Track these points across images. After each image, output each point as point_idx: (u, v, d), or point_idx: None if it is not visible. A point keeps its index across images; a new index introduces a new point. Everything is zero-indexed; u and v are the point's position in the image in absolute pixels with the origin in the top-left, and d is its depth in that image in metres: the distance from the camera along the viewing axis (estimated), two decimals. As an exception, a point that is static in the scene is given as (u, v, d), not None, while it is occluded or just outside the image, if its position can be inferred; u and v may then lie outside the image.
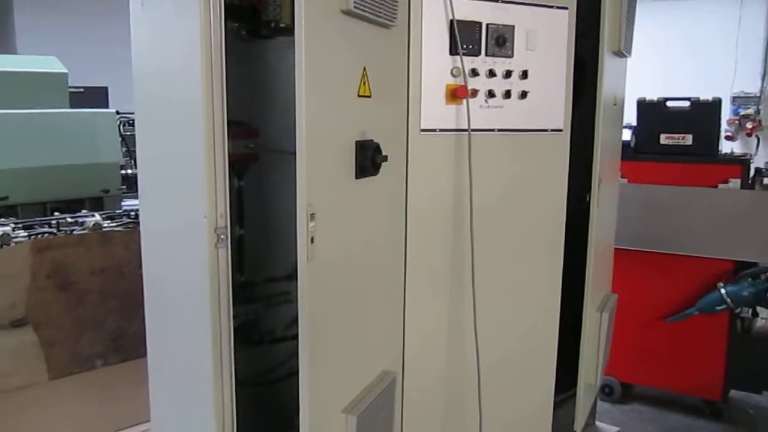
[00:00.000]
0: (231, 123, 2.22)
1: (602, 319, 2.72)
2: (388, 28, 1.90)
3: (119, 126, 4.75)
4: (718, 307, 3.64)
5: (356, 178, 1.78)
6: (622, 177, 3.73)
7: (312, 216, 1.57)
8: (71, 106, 4.69)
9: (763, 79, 6.14)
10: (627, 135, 3.90)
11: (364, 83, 1.80)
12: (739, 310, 3.70)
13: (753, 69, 6.21)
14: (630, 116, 3.94)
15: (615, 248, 3.33)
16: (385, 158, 1.84)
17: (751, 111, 6.07)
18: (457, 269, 2.22)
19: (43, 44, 9.05)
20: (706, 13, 6.44)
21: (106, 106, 7.14)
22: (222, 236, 1.79)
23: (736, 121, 6.10)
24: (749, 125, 6.02)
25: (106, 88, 7.60)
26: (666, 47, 6.56)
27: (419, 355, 2.21)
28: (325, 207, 1.64)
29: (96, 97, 7.37)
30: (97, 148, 4.43)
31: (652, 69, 6.44)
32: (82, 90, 7.44)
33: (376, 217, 1.96)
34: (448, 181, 2.19)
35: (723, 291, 3.60)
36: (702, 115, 3.73)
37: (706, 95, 3.92)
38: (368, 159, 1.79)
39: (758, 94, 6.11)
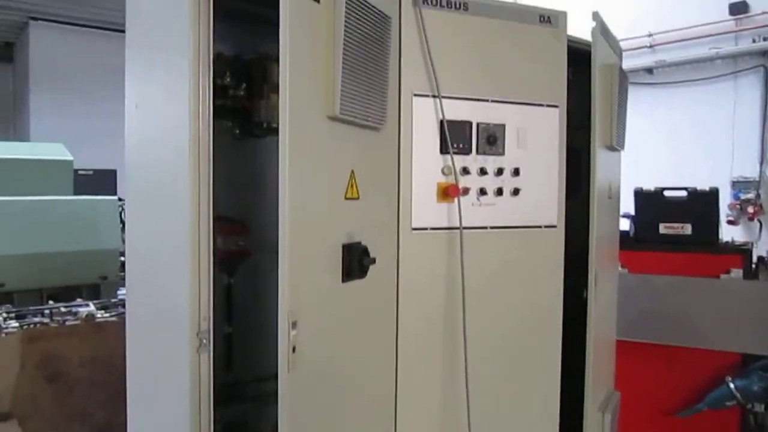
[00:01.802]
0: (223, 219, 2.23)
1: (605, 420, 2.60)
2: (378, 131, 1.92)
3: (121, 212, 4.79)
4: (728, 403, 3.50)
5: (343, 281, 1.75)
6: (622, 267, 3.68)
7: (294, 324, 1.53)
8: (80, 189, 4.76)
9: (761, 164, 6.18)
10: (626, 224, 3.88)
11: (352, 185, 1.79)
12: (750, 404, 3.56)
13: (751, 153, 6.27)
14: (628, 204, 3.94)
15: (617, 340, 3.24)
16: (373, 261, 1.81)
17: (751, 195, 6.07)
18: (450, 371, 2.15)
19: (57, 127, 9.32)
20: (701, 99, 6.57)
21: (114, 188, 7.25)
22: (204, 341, 1.74)
23: (738, 206, 6.10)
24: (750, 209, 6.01)
25: (114, 171, 7.73)
26: (664, 133, 6.66)
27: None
28: (309, 312, 1.60)
29: (105, 179, 7.50)
30: (98, 234, 4.45)
31: (650, 154, 6.52)
32: (91, 173, 7.59)
33: (364, 320, 1.91)
34: (441, 279, 2.15)
35: (732, 385, 3.47)
36: (700, 204, 3.72)
37: (705, 181, 3.94)
38: (355, 262, 1.76)
39: (757, 179, 6.13)
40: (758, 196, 6.10)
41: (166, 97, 1.83)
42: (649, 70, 6.93)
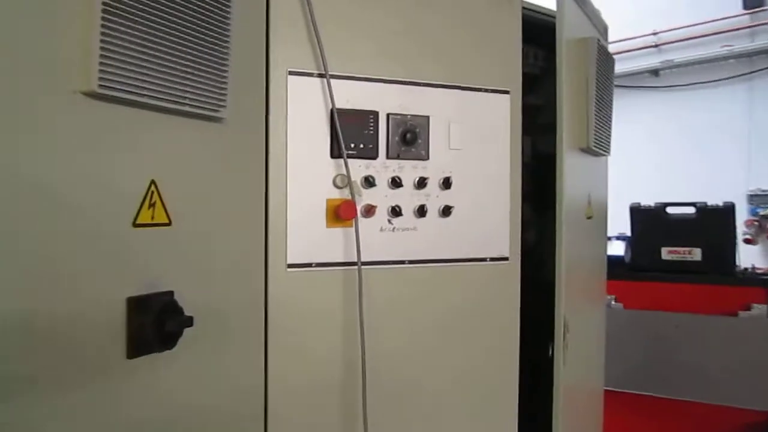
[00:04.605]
0: None
1: None
2: (217, 122, 1.27)
3: None
4: (751, 472, 2.80)
5: (129, 357, 1.09)
6: (615, 301, 3.01)
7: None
8: None
9: (782, 175, 5.47)
10: (620, 248, 3.20)
11: (153, 204, 1.14)
12: (778, 473, 2.85)
13: (769, 164, 5.56)
14: (624, 224, 3.26)
15: (608, 391, 2.56)
16: (188, 321, 1.15)
17: (771, 210, 5.36)
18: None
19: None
20: (711, 105, 5.88)
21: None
22: None
23: (756, 222, 5.36)
24: (770, 226, 5.29)
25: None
26: (671, 141, 5.97)
27: None
28: (41, 422, 0.94)
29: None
30: None
31: (654, 166, 5.85)
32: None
33: (178, 423, 1.23)
34: (334, 339, 1.49)
35: (755, 451, 2.77)
36: (712, 224, 3.02)
37: (718, 195, 3.24)
38: (150, 325, 1.10)
39: (777, 192, 5.41)
40: (779, 211, 5.38)
41: None
42: (655, 72, 6.23)
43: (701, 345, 2.86)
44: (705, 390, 2.84)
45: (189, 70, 1.15)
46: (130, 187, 1.09)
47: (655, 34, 6.23)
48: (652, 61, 6.27)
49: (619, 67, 6.47)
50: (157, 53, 1.08)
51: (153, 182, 1.13)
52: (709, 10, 5.85)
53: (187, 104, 1.16)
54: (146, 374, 1.12)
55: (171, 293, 1.15)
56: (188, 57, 1.15)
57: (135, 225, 1.10)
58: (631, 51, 6.21)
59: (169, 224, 1.17)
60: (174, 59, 1.12)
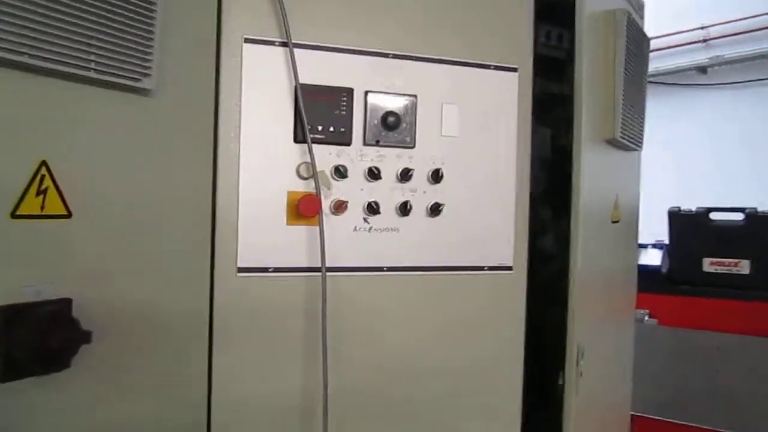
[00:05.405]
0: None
1: None
2: (145, 94, 1.04)
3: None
4: None
5: (2, 381, 0.87)
6: (650, 317, 2.69)
7: None
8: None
9: None
10: (658, 257, 2.88)
11: (44, 191, 0.91)
12: None
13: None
14: (662, 231, 2.94)
15: (636, 416, 2.27)
16: (84, 337, 0.92)
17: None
18: None
19: None
20: (766, 103, 5.46)
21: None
22: None
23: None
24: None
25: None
26: (719, 143, 5.56)
27: None
28: None
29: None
30: None
31: (700, 169, 5.46)
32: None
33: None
34: (293, 360, 1.25)
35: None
36: (763, 232, 2.67)
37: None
38: (31, 341, 0.88)
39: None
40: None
41: None
42: (703, 69, 5.83)
43: (745, 370, 2.53)
44: (746, 422, 2.50)
45: (93, 26, 0.93)
46: (4, 168, 0.87)
47: (703, 28, 5.82)
48: (700, 57, 5.87)
49: (665, 64, 6.08)
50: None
51: (44, 164, 0.91)
52: (762, 3, 5.42)
53: (92, 69, 0.94)
54: (30, 399, 0.90)
55: (67, 301, 0.93)
56: (91, 10, 0.92)
57: (14, 216, 0.88)
58: (677, 46, 5.82)
59: (68, 216, 0.94)
60: (69, 10, 0.89)
